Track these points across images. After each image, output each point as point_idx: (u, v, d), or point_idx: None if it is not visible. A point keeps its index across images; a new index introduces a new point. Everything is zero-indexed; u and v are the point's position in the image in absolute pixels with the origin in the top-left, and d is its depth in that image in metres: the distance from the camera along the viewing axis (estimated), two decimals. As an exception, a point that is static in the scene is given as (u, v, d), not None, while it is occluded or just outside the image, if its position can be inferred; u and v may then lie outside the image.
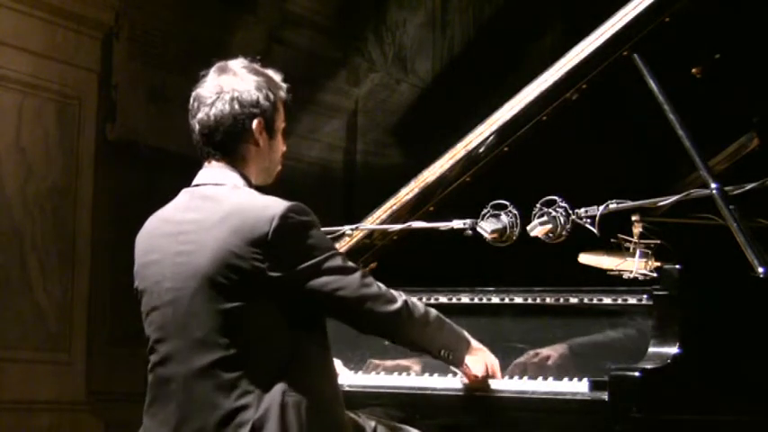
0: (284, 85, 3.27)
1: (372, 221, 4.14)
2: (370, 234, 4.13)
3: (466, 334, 3.37)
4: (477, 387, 3.42)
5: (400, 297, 3.18)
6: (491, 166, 4.06)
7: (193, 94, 3.22)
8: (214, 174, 3.19)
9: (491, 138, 4.02)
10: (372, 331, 3.29)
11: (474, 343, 3.38)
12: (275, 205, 3.08)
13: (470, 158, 4.07)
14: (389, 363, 3.74)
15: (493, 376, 3.42)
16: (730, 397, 3.38)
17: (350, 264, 3.14)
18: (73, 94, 6.30)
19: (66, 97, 6.26)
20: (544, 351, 3.60)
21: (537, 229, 3.65)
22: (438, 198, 4.14)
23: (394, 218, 4.12)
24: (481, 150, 4.05)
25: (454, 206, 4.03)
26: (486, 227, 3.72)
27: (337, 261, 3.10)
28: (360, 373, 3.75)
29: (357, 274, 3.12)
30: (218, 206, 3.11)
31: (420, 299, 3.79)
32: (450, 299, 3.84)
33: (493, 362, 3.42)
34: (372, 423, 3.32)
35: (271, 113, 3.21)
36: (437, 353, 3.32)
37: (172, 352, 3.10)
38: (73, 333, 6.37)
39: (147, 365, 3.21)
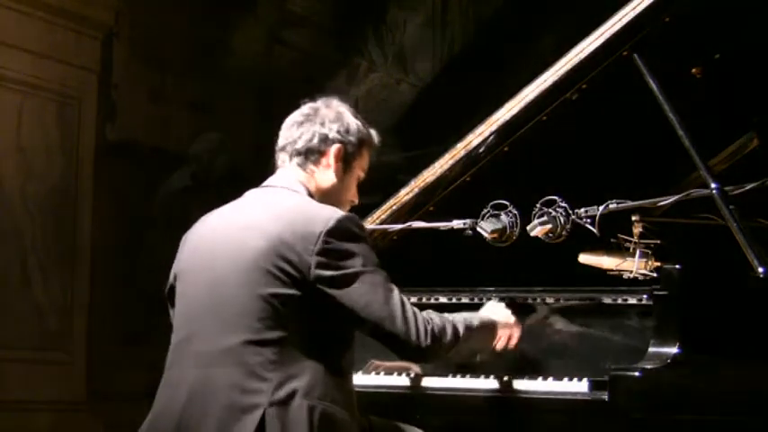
0: (377, 143, 3.45)
1: (372, 221, 4.14)
2: (370, 234, 4.13)
3: (485, 318, 3.44)
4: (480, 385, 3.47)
5: (430, 323, 3.20)
6: (491, 166, 4.06)
7: (291, 115, 3.37)
8: (281, 179, 3.33)
9: (491, 138, 4.02)
10: (393, 351, 3.27)
11: (498, 321, 3.47)
12: (333, 210, 3.20)
13: (470, 158, 4.07)
14: (389, 363, 3.74)
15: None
16: (730, 397, 3.38)
17: (392, 284, 3.17)
18: (73, 94, 6.30)
19: (66, 97, 6.26)
20: (544, 351, 3.60)
21: (537, 229, 3.65)
22: (438, 198, 4.14)
23: (394, 218, 4.12)
24: (481, 150, 4.05)
25: (454, 206, 4.03)
26: (486, 227, 3.72)
27: (379, 277, 3.15)
28: (360, 373, 3.75)
29: (395, 295, 3.15)
30: (277, 205, 3.23)
31: (420, 299, 3.80)
32: (450, 299, 3.84)
33: (513, 333, 3.49)
34: (373, 422, 3.33)
35: (353, 149, 3.36)
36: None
37: (199, 330, 3.15)
38: (73, 333, 6.37)
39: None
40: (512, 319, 3.51)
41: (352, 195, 3.42)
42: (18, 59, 6.05)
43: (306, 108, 3.37)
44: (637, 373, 3.23)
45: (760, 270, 3.35)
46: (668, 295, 3.38)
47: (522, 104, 3.95)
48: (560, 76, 3.90)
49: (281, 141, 3.35)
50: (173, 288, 3.29)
